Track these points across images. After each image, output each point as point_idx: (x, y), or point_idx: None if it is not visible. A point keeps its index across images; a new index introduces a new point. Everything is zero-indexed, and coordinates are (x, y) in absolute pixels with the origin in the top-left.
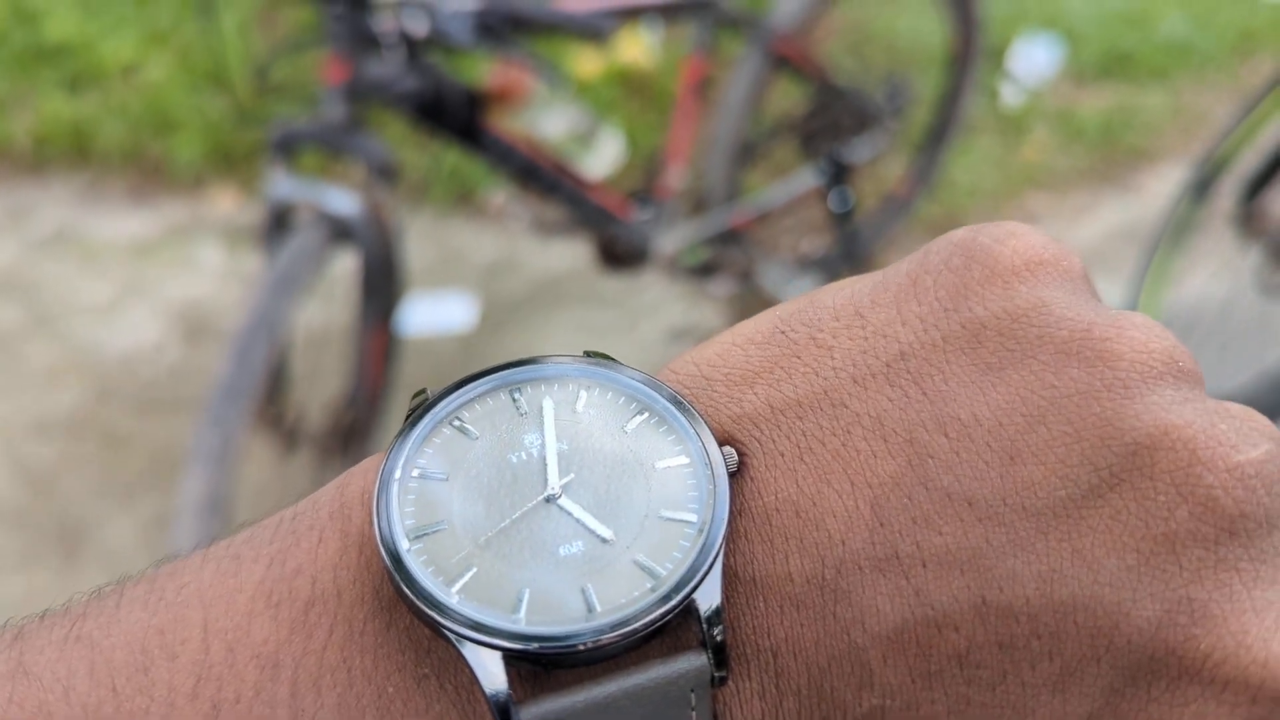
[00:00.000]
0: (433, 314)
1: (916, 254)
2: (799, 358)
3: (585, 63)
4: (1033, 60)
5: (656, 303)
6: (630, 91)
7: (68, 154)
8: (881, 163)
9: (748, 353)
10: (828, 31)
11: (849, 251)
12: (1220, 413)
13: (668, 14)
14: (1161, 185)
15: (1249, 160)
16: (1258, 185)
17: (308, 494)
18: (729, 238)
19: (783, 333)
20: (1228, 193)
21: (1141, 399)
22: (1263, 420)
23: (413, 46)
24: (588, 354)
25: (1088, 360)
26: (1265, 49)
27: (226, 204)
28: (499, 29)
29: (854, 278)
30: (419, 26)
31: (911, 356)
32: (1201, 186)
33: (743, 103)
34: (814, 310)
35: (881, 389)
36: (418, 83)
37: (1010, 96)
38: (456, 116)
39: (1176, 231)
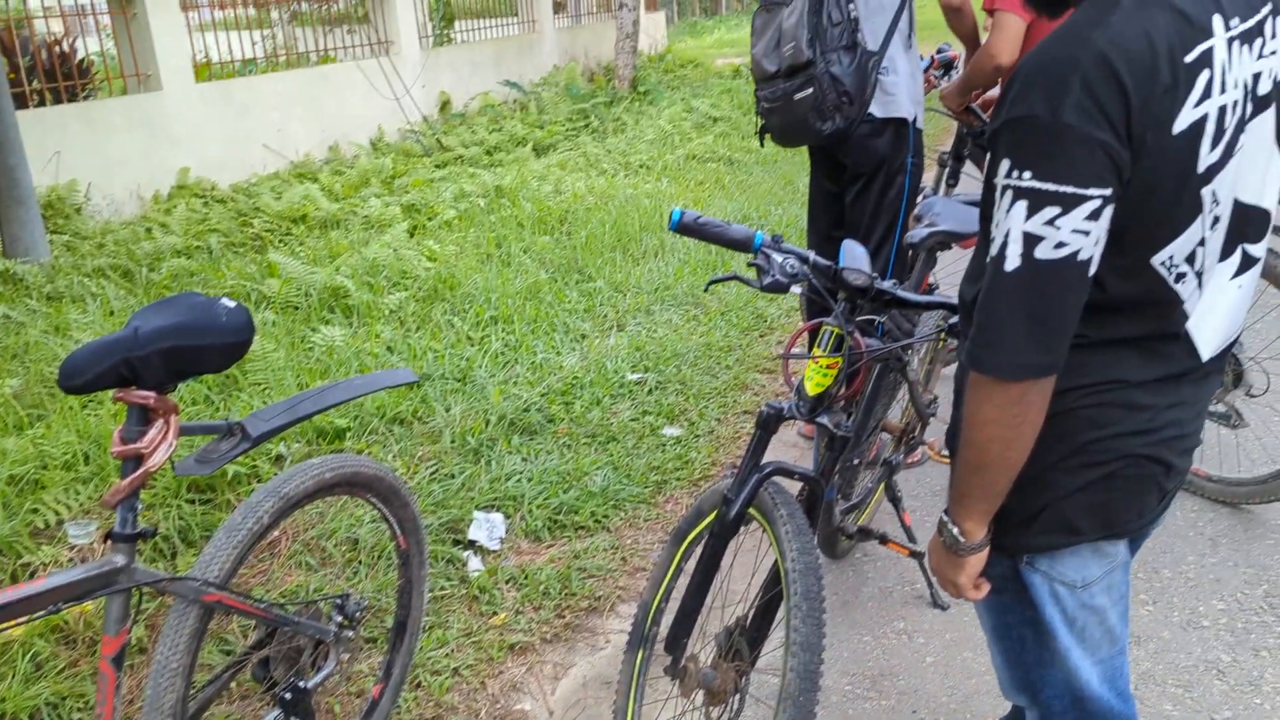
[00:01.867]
0: None
1: None
2: None
3: None
4: (489, 529)
5: None
6: (65, 642)
7: None
8: (349, 672)
9: None
10: (284, 540)
11: None
12: None
13: (69, 596)
14: (623, 625)
15: (667, 613)
16: (675, 638)
17: None
18: None
19: None
20: (660, 642)
21: None
22: None
23: None
24: None
25: None
26: (673, 485)
27: None
28: None
29: None
30: None
31: None
32: (640, 639)
33: (180, 659)
34: None
35: None
36: None
37: (474, 568)
38: None
39: (634, 682)
